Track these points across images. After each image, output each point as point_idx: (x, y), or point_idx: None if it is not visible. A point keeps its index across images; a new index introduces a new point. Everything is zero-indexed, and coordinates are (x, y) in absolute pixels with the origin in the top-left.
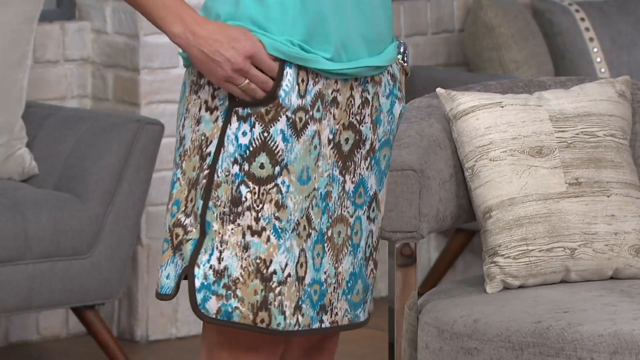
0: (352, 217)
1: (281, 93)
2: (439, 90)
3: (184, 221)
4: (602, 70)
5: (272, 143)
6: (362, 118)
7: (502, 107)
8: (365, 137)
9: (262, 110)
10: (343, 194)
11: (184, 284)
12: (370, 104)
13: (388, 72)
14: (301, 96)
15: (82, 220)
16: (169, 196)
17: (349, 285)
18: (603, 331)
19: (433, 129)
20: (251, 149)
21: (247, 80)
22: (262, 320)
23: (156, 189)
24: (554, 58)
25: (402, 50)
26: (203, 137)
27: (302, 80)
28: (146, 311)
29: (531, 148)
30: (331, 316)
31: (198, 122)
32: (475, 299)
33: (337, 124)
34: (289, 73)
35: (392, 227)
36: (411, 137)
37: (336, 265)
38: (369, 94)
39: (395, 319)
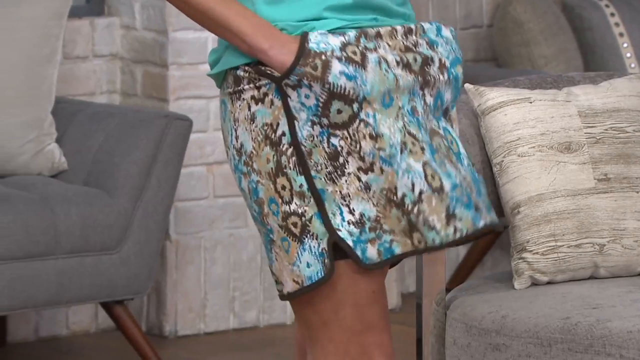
0: (440, 129)
1: (312, 45)
2: (467, 85)
3: (292, 209)
4: (632, 65)
5: (338, 89)
6: (415, 42)
7: (531, 102)
8: (429, 56)
9: (308, 69)
10: (426, 108)
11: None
12: (414, 31)
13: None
14: (340, 35)
15: (111, 215)
16: (255, 204)
17: (477, 188)
18: (632, 327)
19: (461, 125)
20: (321, 105)
21: None
22: (420, 241)
23: (184, 185)
24: (584, 53)
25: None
26: (266, 127)
27: (332, 32)
28: (175, 306)
29: (560, 144)
30: (481, 217)
31: (253, 119)
32: (504, 295)
33: (394, 49)
34: (316, 34)
35: None
36: None
37: (456, 171)
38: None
39: (423, 315)
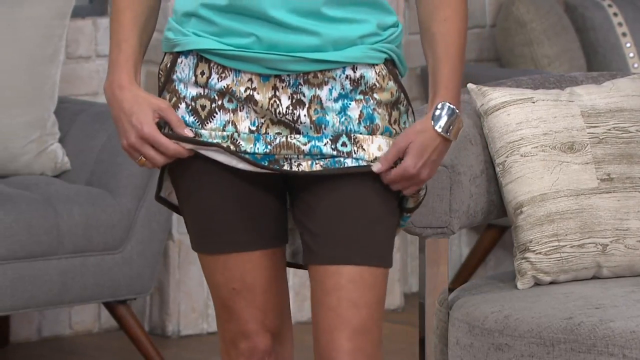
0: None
1: (175, 78)
2: (470, 85)
3: None
4: (635, 65)
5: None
6: (295, 118)
7: (534, 102)
8: (305, 134)
9: (167, 95)
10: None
11: None
12: (307, 105)
13: (347, 77)
14: (200, 86)
15: (113, 215)
16: None
17: None
18: (635, 327)
19: (464, 124)
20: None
21: (141, 157)
22: None
23: None
24: (587, 53)
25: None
26: None
27: (202, 73)
28: (177, 306)
29: (562, 144)
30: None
31: None
32: (506, 295)
33: (262, 117)
34: (184, 62)
35: (422, 223)
36: None
37: None
38: (304, 96)
39: (425, 315)
